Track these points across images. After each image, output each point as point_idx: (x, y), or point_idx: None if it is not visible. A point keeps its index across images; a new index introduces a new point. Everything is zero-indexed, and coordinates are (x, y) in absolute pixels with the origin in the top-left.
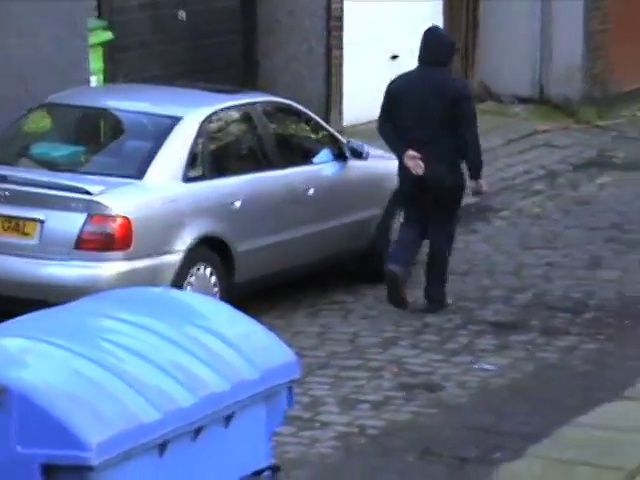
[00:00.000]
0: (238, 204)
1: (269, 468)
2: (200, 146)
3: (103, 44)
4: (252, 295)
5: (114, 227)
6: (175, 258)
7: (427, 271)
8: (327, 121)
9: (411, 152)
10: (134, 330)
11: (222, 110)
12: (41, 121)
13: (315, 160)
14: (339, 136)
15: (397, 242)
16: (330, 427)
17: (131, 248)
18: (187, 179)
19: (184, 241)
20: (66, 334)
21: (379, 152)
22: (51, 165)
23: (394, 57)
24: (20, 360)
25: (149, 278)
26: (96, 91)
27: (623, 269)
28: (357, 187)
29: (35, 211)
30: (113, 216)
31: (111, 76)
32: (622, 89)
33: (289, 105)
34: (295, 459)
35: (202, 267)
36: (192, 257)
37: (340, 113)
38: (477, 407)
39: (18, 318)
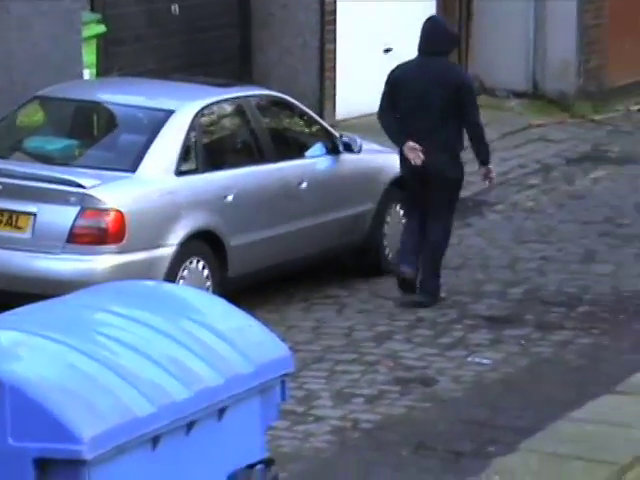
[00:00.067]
0: (231, 198)
1: (262, 461)
2: (193, 139)
3: (96, 37)
4: (246, 289)
5: (107, 220)
6: (168, 252)
7: (422, 263)
8: (321, 115)
9: (411, 143)
10: (128, 323)
11: (215, 103)
12: (34, 115)
13: (308, 154)
14: (332, 130)
15: (403, 242)
16: (324, 421)
17: (124, 242)
18: (180, 172)
19: (177, 235)
20: (60, 327)
21: (373, 145)
22: (44, 158)
23: (387, 50)
24: (13, 353)
25: (142, 272)
26: (89, 84)
27: (617, 263)
28: (351, 181)
29: (28, 204)
30: (106, 209)
31: (105, 70)
32: (617, 83)
33: (282, 98)
34: (290, 453)
35: (195, 261)
36: (185, 251)
37: (334, 107)
38: (471, 401)
39: (12, 311)
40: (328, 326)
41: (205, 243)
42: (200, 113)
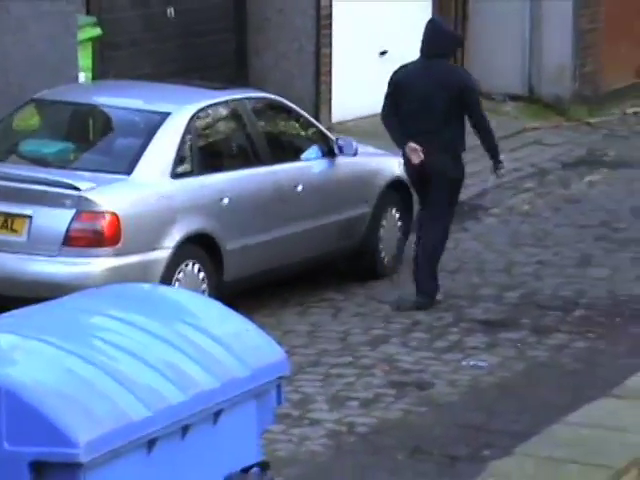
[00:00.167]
0: (227, 201)
1: (258, 465)
2: (189, 142)
3: (92, 40)
4: (241, 293)
5: (103, 223)
6: (164, 255)
7: (419, 264)
8: (317, 118)
9: (412, 144)
10: (124, 327)
11: (211, 106)
12: (30, 118)
13: (304, 157)
14: (328, 133)
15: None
16: (320, 425)
17: (120, 244)
18: (176, 175)
19: (173, 238)
20: (56, 331)
21: (369, 149)
22: (40, 161)
23: (383, 53)
24: (9, 357)
25: (138, 274)
26: (85, 87)
27: (613, 267)
28: (347, 184)
29: (24, 207)
30: (102, 212)
31: (101, 74)
32: (612, 87)
33: (278, 101)
34: (285, 457)
35: (191, 264)
36: (181, 254)
37: (329, 110)
38: (467, 405)
39: (7, 314)
40: (324, 330)
41: (201, 246)
42: (196, 116)
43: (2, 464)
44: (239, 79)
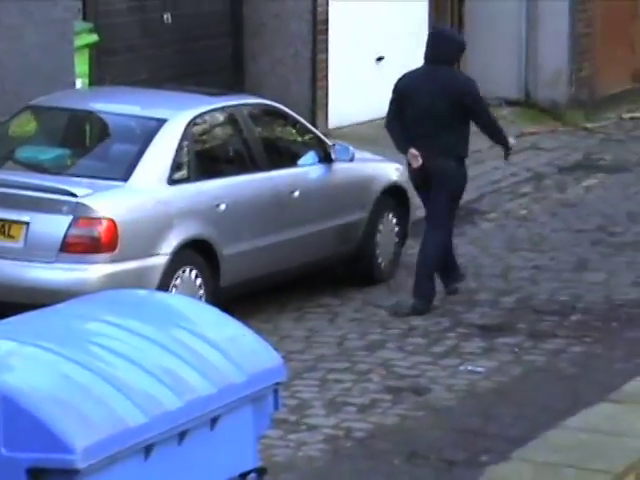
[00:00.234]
0: (223, 207)
1: (255, 470)
2: (185, 148)
3: (89, 47)
4: (238, 298)
5: (100, 230)
6: (161, 261)
7: (417, 267)
8: (313, 124)
9: (413, 150)
10: (121, 333)
11: (207, 112)
12: (27, 124)
13: (300, 162)
14: (325, 138)
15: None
16: (317, 430)
17: (117, 251)
18: (172, 181)
19: (170, 244)
20: (53, 337)
21: (365, 154)
22: (37, 168)
23: (379, 59)
24: (6, 363)
25: (135, 281)
26: (81, 94)
27: (610, 272)
28: (343, 190)
29: (21, 214)
30: (99, 218)
31: (98, 80)
32: (609, 92)
33: (275, 107)
34: (282, 462)
35: (188, 270)
36: (178, 260)
37: (326, 116)
38: (464, 410)
39: (4, 320)
40: (320, 335)
41: (198, 252)
42: (192, 122)
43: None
44: (235, 84)
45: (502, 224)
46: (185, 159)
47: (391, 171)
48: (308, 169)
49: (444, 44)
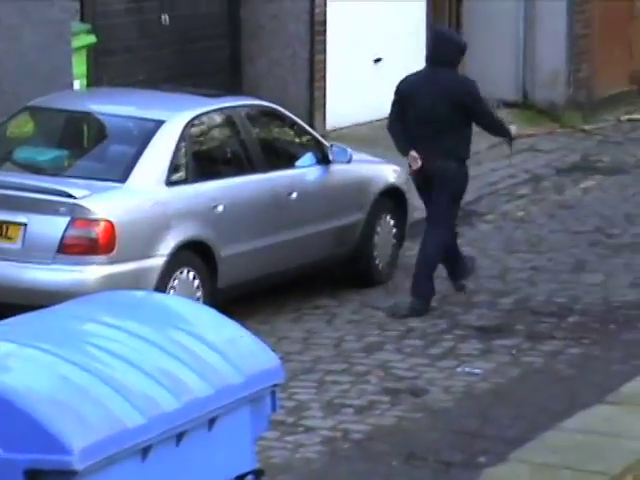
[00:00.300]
0: (221, 208)
1: (252, 472)
2: (183, 150)
3: (87, 48)
4: (235, 300)
5: (97, 231)
6: (158, 262)
7: (417, 267)
8: (311, 125)
9: (413, 153)
10: (119, 334)
11: (205, 114)
12: (24, 125)
13: (298, 164)
14: (322, 140)
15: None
16: (315, 432)
17: (114, 252)
18: (170, 183)
19: (167, 245)
20: (51, 338)
21: (363, 156)
22: (35, 169)
23: (377, 60)
24: (3, 364)
25: (132, 282)
26: (79, 95)
27: (607, 273)
28: (341, 191)
29: (18, 215)
30: (96, 220)
31: (95, 81)
32: (606, 93)
33: (273, 108)
34: (280, 464)
35: (185, 271)
36: (175, 261)
37: (324, 117)
38: (462, 411)
39: (2, 321)
40: (318, 336)
41: (195, 253)
42: (190, 123)
43: None
44: (233, 86)
45: (500, 225)
46: (183, 160)
47: (389, 173)
48: (306, 170)
49: (443, 45)
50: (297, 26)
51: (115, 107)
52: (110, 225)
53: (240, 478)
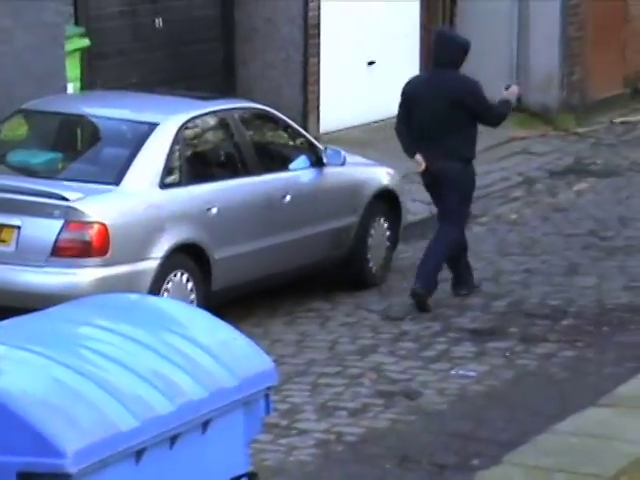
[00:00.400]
0: (215, 211)
1: (246, 475)
2: (177, 152)
3: (80, 51)
4: (229, 302)
5: (91, 233)
6: (152, 265)
7: (424, 259)
8: (305, 128)
9: (417, 157)
10: (112, 337)
11: (199, 116)
12: (18, 128)
13: (292, 167)
14: (316, 143)
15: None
16: (308, 434)
17: (108, 255)
18: (164, 185)
19: (161, 248)
20: (44, 341)
21: (357, 158)
22: (28, 172)
23: (371, 63)
24: None
25: (126, 285)
26: (73, 98)
27: (601, 276)
28: (335, 194)
29: (12, 217)
30: (90, 222)
31: (89, 84)
32: (600, 96)
33: (266, 111)
34: (273, 467)
35: (179, 274)
36: (169, 264)
37: (317, 120)
38: (456, 414)
39: None
40: (312, 339)
41: (189, 256)
42: (184, 126)
43: None
44: (227, 89)
45: (493, 228)
46: (176, 163)
47: (383, 175)
48: (299, 173)
49: (445, 46)
50: (291, 29)
51: (109, 110)
52: (104, 228)
53: None
